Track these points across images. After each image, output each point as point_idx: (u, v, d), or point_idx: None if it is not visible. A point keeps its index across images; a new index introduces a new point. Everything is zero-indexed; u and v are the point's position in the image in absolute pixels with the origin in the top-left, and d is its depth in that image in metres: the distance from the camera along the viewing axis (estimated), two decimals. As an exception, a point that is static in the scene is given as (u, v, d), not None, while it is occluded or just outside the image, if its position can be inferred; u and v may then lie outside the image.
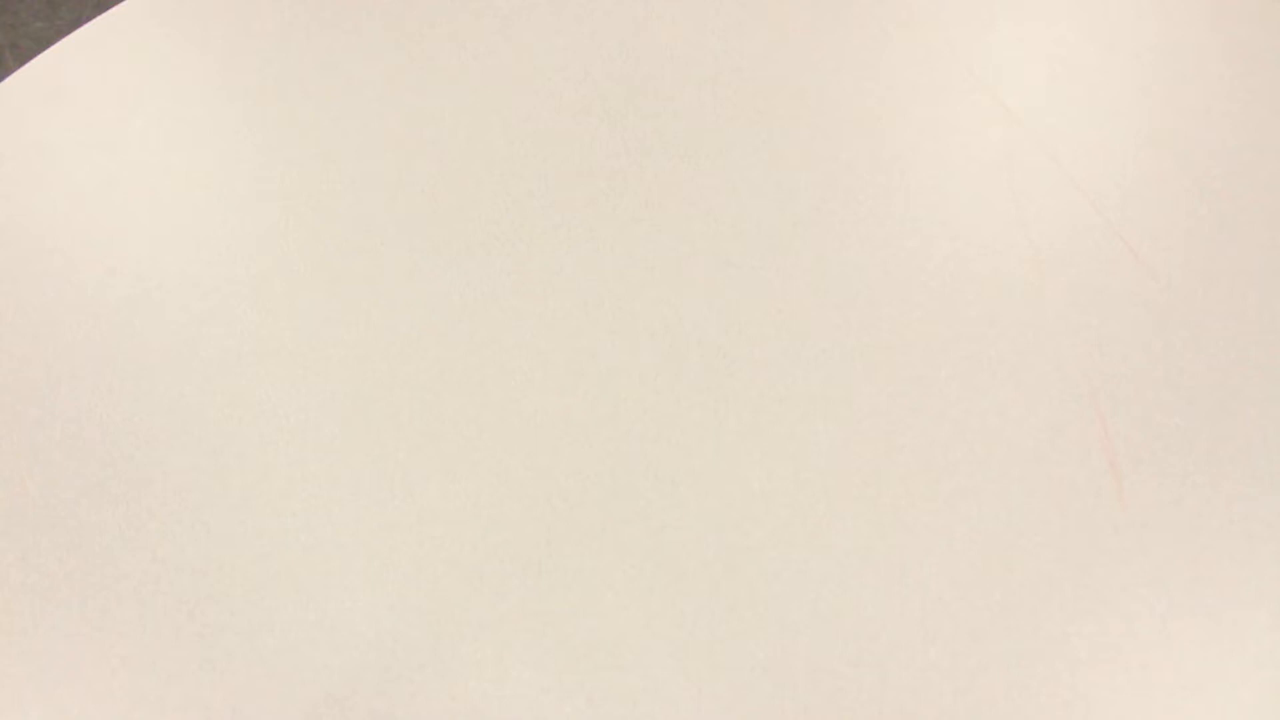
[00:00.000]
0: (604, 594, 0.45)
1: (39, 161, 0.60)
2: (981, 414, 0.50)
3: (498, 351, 0.52)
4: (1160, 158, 0.59)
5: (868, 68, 0.63)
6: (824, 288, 0.54)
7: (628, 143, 0.60)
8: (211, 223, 0.57)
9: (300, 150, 0.60)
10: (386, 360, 0.52)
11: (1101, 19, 0.66)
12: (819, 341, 0.52)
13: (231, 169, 0.59)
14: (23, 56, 1.71)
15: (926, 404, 0.50)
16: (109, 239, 0.57)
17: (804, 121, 0.61)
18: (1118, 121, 0.61)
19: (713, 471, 0.48)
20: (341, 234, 0.57)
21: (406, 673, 0.43)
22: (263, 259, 0.56)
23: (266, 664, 0.44)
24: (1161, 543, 0.46)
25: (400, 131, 0.61)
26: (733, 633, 0.44)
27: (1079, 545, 0.46)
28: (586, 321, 0.53)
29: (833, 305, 0.54)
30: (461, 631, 0.44)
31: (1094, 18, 0.66)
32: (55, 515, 0.48)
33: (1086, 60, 0.64)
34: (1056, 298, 0.54)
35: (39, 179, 0.59)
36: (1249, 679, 0.43)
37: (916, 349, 0.52)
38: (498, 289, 0.55)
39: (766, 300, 0.54)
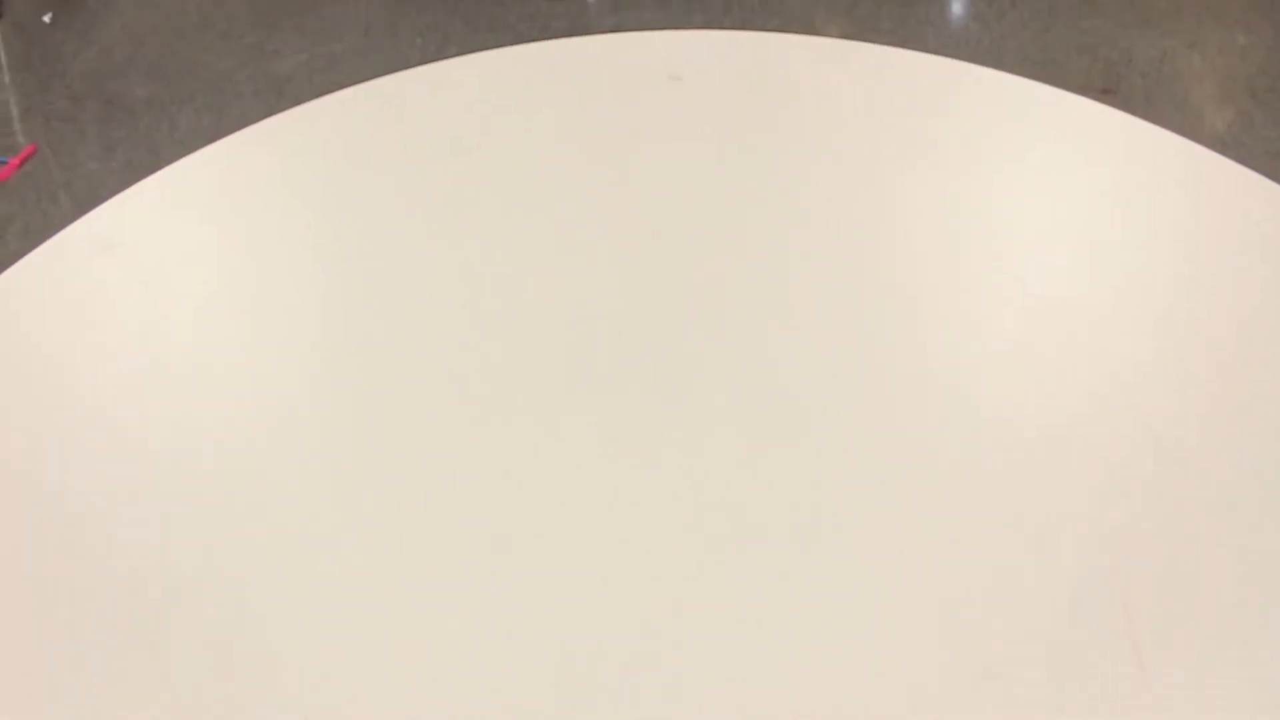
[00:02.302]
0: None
1: (89, 311, 0.62)
2: (1004, 594, 0.50)
3: (520, 521, 0.53)
4: (1181, 339, 0.60)
5: (896, 242, 0.65)
6: (846, 465, 0.55)
7: (647, 311, 0.61)
8: (249, 379, 0.59)
9: (339, 310, 0.62)
10: (416, 519, 0.53)
11: (1124, 202, 0.67)
12: (840, 519, 0.53)
13: (271, 328, 0.61)
14: (76, 196, 1.77)
15: (950, 585, 0.50)
16: (149, 394, 0.59)
17: (829, 296, 0.62)
18: (1138, 302, 0.62)
19: (729, 650, 0.49)
20: (377, 392, 0.58)
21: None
22: (298, 414, 0.57)
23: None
24: (1184, 730, 0.46)
25: (432, 288, 0.63)
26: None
27: (1101, 730, 0.46)
28: (605, 491, 0.54)
29: (854, 482, 0.54)
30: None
31: (1116, 201, 0.67)
32: (84, 653, 0.49)
33: (1110, 241, 0.65)
34: (1079, 477, 0.54)
35: (87, 328, 0.61)
36: None
37: (938, 531, 0.52)
38: (520, 455, 0.56)
39: (788, 474, 0.54)
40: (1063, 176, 0.68)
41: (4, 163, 1.84)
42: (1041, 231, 0.65)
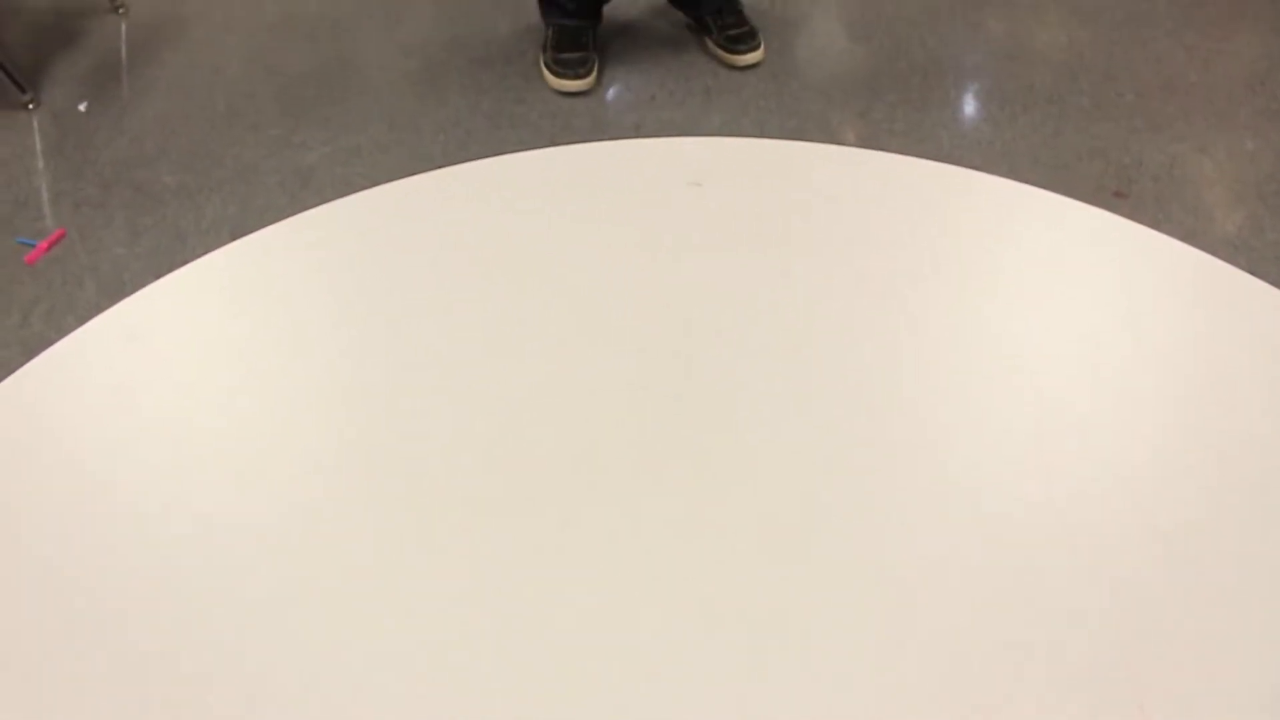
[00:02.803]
0: None
1: (114, 401, 0.63)
2: (1020, 697, 0.49)
3: (537, 617, 0.53)
4: (1189, 445, 0.60)
5: (910, 347, 0.65)
6: (856, 563, 0.55)
7: (663, 414, 0.62)
8: (272, 473, 0.59)
9: (362, 406, 0.63)
10: (427, 614, 0.53)
11: (1132, 309, 0.68)
12: (850, 618, 0.53)
13: (293, 423, 0.62)
14: (102, 281, 1.80)
15: (963, 687, 0.50)
16: (172, 485, 0.59)
17: (843, 399, 0.63)
18: (1145, 406, 0.62)
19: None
20: (398, 486, 0.59)
21: None
22: (320, 508, 0.58)
23: None
24: None
25: (453, 386, 0.63)
26: None
27: None
28: (623, 590, 0.54)
29: (865, 581, 0.54)
30: None
31: (1125, 308, 0.68)
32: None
33: (1118, 348, 0.66)
34: (1092, 581, 0.54)
35: (112, 417, 0.62)
36: None
37: (950, 636, 0.52)
38: (537, 551, 0.56)
39: (800, 573, 0.54)
40: (1073, 284, 0.69)
41: (32, 245, 1.87)
42: (1051, 338, 0.65)
